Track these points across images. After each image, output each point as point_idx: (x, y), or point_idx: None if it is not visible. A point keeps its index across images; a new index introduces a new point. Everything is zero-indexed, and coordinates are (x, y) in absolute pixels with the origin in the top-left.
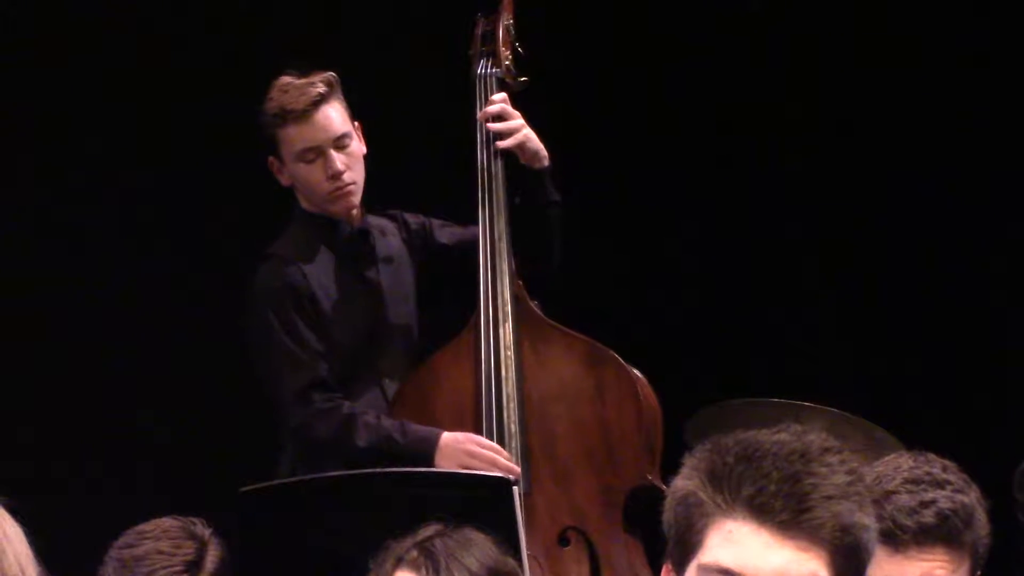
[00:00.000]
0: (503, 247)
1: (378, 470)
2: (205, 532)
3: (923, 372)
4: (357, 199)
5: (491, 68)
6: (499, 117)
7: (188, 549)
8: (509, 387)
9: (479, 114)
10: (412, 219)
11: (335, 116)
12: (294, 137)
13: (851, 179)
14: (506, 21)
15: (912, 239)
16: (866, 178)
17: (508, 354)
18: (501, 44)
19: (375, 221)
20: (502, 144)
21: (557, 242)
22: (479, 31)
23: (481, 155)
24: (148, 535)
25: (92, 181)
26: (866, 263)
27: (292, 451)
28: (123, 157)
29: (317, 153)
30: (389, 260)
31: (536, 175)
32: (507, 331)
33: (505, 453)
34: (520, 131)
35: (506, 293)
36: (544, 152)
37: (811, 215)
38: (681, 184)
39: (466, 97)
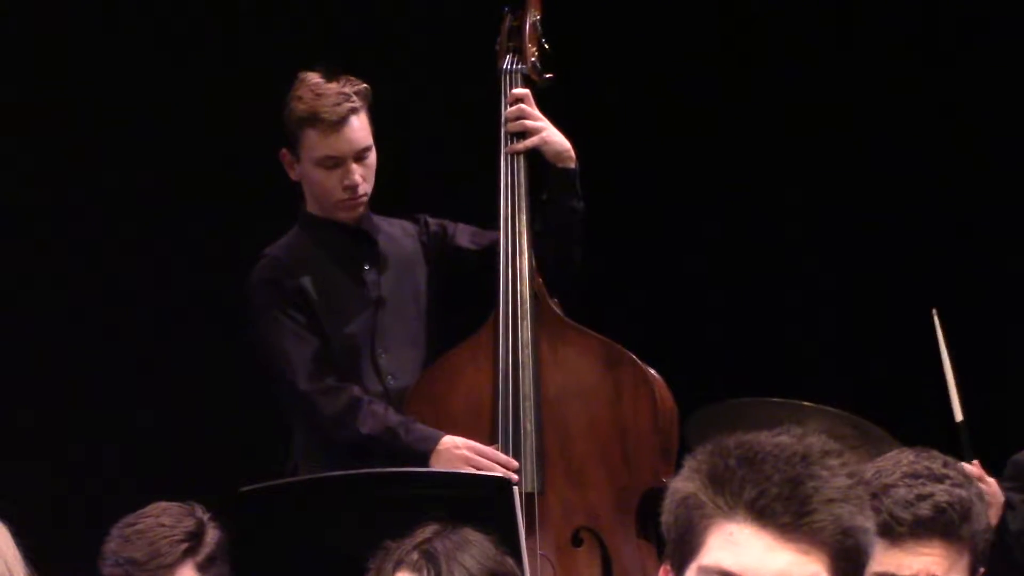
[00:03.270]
0: (523, 245)
1: (378, 470)
2: (204, 514)
3: (922, 372)
4: (363, 209)
5: (517, 64)
6: (520, 117)
7: (188, 523)
8: (526, 386)
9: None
10: (433, 221)
11: (362, 129)
12: (318, 143)
13: (851, 179)
14: (533, 17)
15: (911, 239)
16: (866, 178)
17: (526, 352)
18: (527, 40)
19: (383, 223)
20: (520, 145)
21: (577, 246)
22: (506, 26)
23: (504, 151)
24: (148, 514)
25: (92, 181)
26: (866, 263)
27: (298, 443)
28: (123, 157)
29: (337, 162)
30: (393, 261)
31: (561, 174)
32: (525, 329)
33: (503, 458)
34: (540, 132)
35: (525, 291)
36: (570, 153)
37: (811, 215)
38: (682, 183)
39: (492, 92)
